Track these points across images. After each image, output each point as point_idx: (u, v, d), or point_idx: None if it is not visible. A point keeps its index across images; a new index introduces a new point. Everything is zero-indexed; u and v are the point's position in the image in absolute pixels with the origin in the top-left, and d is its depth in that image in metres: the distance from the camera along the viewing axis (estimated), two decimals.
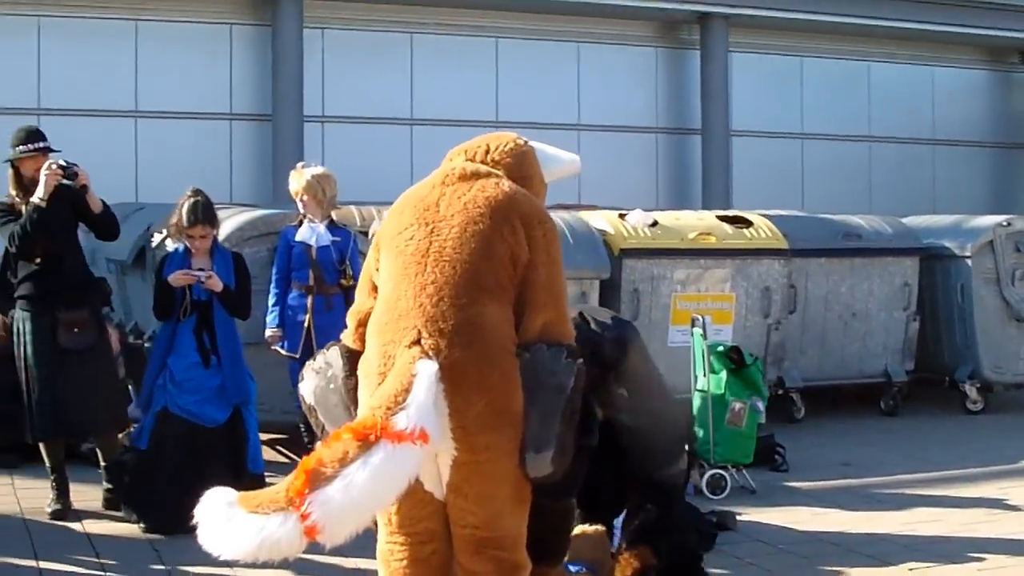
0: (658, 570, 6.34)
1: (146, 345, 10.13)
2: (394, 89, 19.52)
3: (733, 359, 9.40)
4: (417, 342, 4.44)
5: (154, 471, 7.87)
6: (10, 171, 8.10)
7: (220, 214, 8.59)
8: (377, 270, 4.85)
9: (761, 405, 9.32)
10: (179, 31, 18.51)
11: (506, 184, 4.84)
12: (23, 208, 7.95)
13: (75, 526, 7.94)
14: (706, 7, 20.63)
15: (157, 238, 9.46)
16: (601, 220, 11.53)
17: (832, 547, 7.67)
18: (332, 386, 4.87)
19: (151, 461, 7.91)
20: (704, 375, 9.28)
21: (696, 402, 9.28)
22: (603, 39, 20.84)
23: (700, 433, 9.12)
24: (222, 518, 4.07)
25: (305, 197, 9.32)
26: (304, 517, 3.98)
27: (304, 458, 4.16)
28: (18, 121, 8.84)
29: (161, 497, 7.69)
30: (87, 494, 8.46)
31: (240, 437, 8.09)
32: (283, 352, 9.33)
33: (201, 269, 8.09)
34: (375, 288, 4.85)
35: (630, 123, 21.03)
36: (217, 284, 8.02)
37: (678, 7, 20.62)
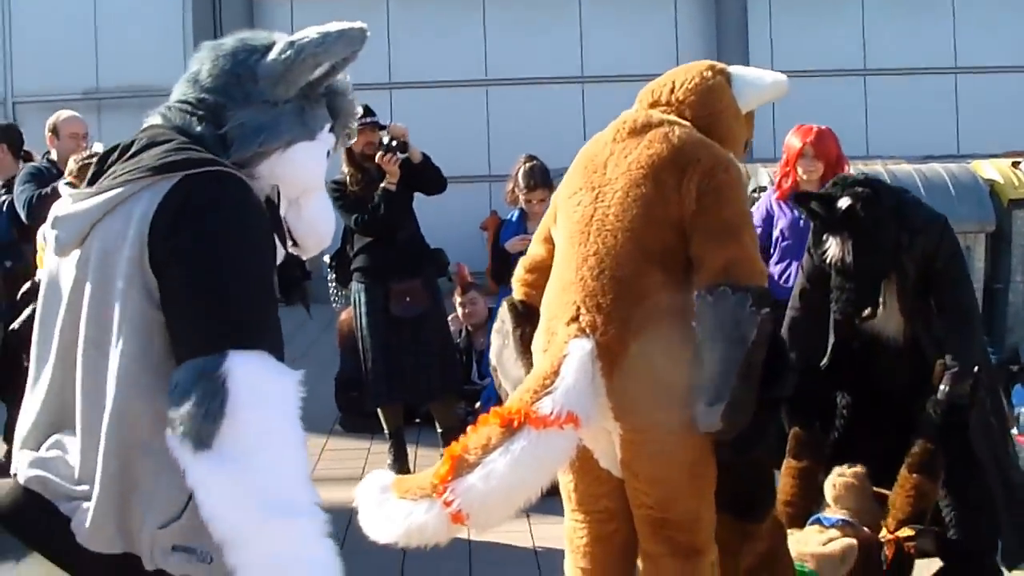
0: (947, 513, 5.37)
1: None
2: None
3: None
4: (576, 318, 4.15)
5: None
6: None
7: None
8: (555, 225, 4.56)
9: None
10: None
11: (676, 134, 4.30)
12: (351, 181, 8.28)
13: None
14: None
15: None
16: (990, 169, 10.54)
17: None
18: (507, 342, 4.63)
19: None
20: None
21: None
22: None
23: None
24: (375, 502, 3.96)
25: None
26: (447, 504, 3.84)
27: (452, 444, 4.01)
28: (371, 97, 8.66)
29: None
30: (430, 458, 8.11)
31: None
32: None
33: None
34: (548, 239, 4.60)
35: None
36: None
37: None
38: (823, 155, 7.36)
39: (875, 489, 5.40)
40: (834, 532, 5.19)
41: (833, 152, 7.38)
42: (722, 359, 3.96)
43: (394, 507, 3.94)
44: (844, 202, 5.30)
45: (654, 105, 4.52)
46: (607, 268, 4.15)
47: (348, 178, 8.31)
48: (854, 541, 5.14)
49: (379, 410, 8.43)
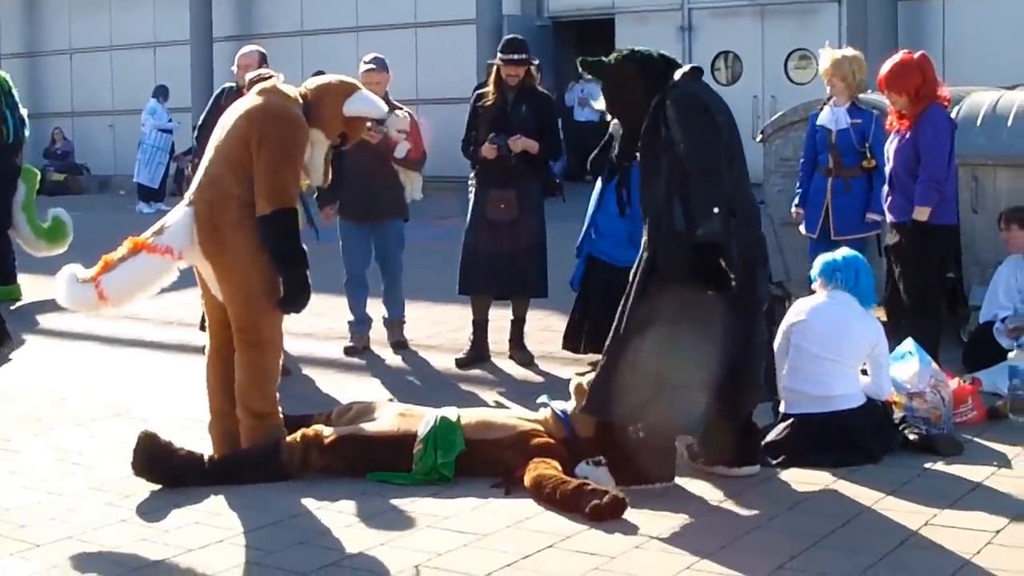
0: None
1: None
2: None
3: None
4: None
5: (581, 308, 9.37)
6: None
7: None
8: None
9: None
10: None
11: None
12: (488, 95, 9.60)
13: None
14: None
15: None
16: None
17: None
18: None
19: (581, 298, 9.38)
20: None
21: None
22: None
23: None
24: (66, 282, 6.70)
25: (834, 79, 9.29)
26: (97, 287, 6.64)
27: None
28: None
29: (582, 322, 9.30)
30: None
31: None
32: (802, 231, 9.52)
33: None
34: None
35: None
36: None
37: None
38: (898, 89, 8.16)
39: None
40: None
41: (912, 82, 8.12)
42: None
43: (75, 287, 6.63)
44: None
45: None
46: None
47: (488, 93, 9.55)
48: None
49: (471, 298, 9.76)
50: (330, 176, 7.13)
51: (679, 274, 6.13)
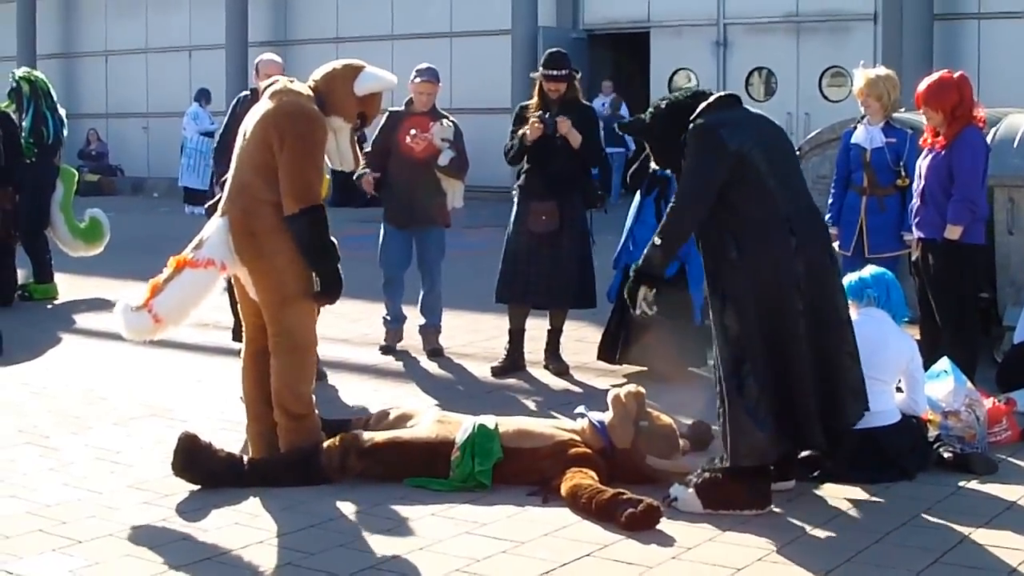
0: None
1: None
2: None
3: None
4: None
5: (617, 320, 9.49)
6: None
7: None
8: None
9: None
10: None
11: None
12: (532, 108, 9.66)
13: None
14: None
15: None
16: None
17: None
18: None
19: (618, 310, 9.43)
20: None
21: None
22: None
23: None
24: (123, 313, 6.85)
25: (868, 98, 9.33)
26: (150, 311, 6.75)
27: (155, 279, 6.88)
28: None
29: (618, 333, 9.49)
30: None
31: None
32: (837, 249, 9.20)
33: None
34: None
35: None
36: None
37: None
38: (935, 106, 8.21)
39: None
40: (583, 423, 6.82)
41: (949, 101, 8.15)
42: None
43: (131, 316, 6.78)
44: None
45: None
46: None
47: (532, 106, 9.63)
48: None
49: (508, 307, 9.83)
50: (360, 159, 7.28)
51: (747, 300, 6.13)
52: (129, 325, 6.80)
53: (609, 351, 9.51)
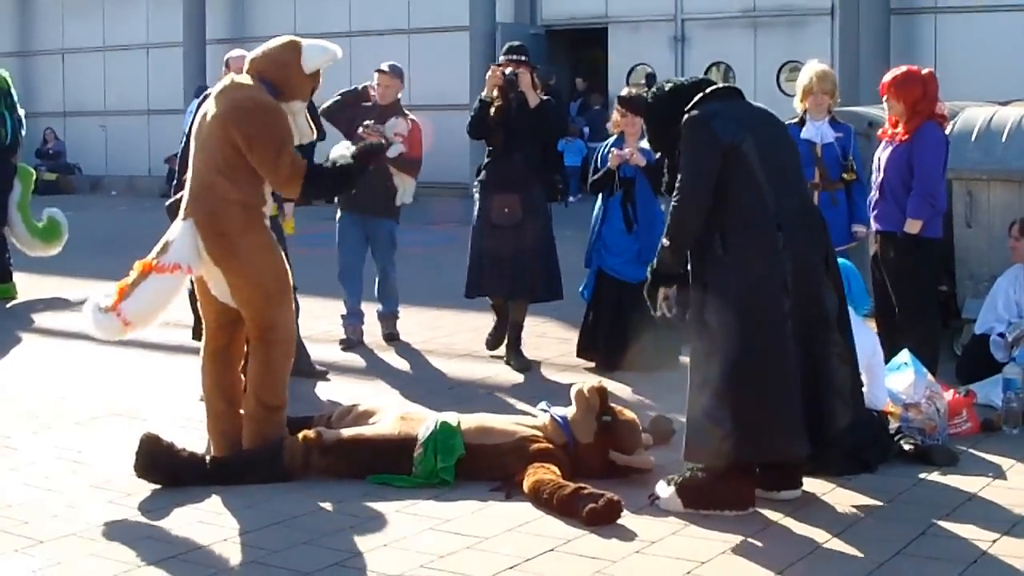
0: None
1: None
2: None
3: None
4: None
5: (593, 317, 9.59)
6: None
7: None
8: None
9: None
10: None
11: None
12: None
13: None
14: None
15: None
16: None
17: None
18: None
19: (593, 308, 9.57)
20: None
21: None
22: None
23: None
24: (93, 312, 6.79)
25: (821, 93, 9.39)
26: (119, 315, 6.70)
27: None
28: None
29: (597, 339, 9.54)
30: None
31: None
32: None
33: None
34: None
35: None
36: (640, 160, 9.09)
37: None
38: (898, 97, 8.36)
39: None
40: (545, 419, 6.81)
41: (912, 94, 8.30)
42: None
43: (100, 317, 6.72)
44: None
45: None
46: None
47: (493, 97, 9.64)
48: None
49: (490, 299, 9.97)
50: (314, 130, 7.28)
51: (729, 297, 6.06)
52: (99, 325, 6.77)
53: (589, 350, 9.58)
